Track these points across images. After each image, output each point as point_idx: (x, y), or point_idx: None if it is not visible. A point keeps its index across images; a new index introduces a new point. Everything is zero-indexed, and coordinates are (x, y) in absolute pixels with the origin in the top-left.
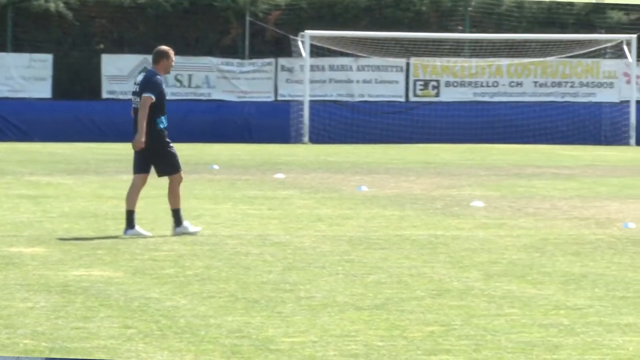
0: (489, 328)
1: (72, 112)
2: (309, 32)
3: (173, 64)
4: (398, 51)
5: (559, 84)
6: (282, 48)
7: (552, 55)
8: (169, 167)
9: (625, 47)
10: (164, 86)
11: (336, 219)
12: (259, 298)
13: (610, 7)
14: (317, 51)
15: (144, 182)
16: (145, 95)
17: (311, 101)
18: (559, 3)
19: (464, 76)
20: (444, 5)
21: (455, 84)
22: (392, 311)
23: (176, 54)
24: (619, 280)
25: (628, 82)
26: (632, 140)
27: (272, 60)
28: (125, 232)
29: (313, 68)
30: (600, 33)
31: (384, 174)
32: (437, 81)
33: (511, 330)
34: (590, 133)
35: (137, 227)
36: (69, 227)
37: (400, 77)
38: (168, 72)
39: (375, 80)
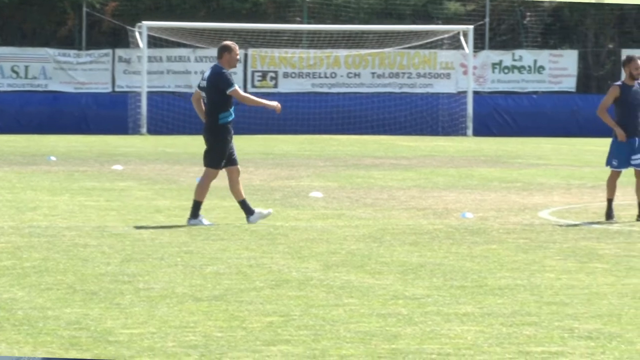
0: (328, 318)
1: None
2: (146, 23)
3: (238, 57)
4: (236, 42)
5: (397, 75)
6: (119, 39)
7: (389, 47)
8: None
9: (462, 38)
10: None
11: (175, 210)
12: (97, 290)
13: None
14: (154, 42)
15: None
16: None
17: (149, 92)
18: None
19: (302, 67)
20: None
21: (293, 75)
22: (231, 302)
23: (12, 45)
24: (456, 270)
25: (465, 73)
26: (470, 131)
27: (109, 51)
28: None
29: (151, 59)
30: (438, 24)
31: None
32: (275, 72)
33: (350, 320)
34: (428, 124)
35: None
36: None
37: (239, 68)
38: (234, 66)
39: None
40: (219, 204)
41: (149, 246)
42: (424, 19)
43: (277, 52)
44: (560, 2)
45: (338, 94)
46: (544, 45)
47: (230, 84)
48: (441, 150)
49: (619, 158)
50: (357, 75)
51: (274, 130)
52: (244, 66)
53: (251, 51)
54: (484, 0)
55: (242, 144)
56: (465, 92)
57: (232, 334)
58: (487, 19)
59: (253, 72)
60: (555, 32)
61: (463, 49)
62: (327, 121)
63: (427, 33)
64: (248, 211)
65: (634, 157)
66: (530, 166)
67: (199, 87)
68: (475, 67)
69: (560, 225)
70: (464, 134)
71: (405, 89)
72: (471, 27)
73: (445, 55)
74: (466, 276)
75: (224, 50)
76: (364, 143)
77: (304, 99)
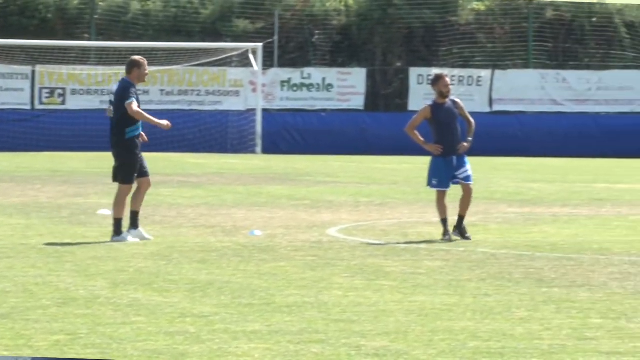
0: (115, 336)
1: None
2: None
3: (147, 72)
4: (23, 59)
5: (186, 92)
6: None
7: (178, 64)
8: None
9: (251, 56)
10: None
11: None
12: None
13: (236, 15)
14: None
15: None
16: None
17: None
18: (185, 11)
19: (91, 84)
20: (70, 12)
21: (81, 92)
22: (17, 320)
23: None
24: (245, 288)
25: (254, 90)
26: (259, 149)
27: None
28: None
29: None
30: (227, 42)
31: (9, 182)
32: (63, 89)
33: (137, 338)
34: (217, 141)
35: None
36: None
37: (26, 84)
38: (144, 81)
39: (0, 88)
40: (5, 221)
41: None
42: (213, 37)
43: (65, 69)
44: (350, 20)
45: None
46: (332, 63)
47: (129, 96)
48: (230, 168)
49: (439, 177)
50: (145, 92)
51: (62, 147)
52: (31, 83)
53: (39, 68)
54: (273, 18)
55: (29, 161)
56: (254, 109)
57: (18, 352)
58: (276, 37)
59: (41, 88)
60: (343, 50)
61: (252, 66)
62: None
63: (217, 50)
64: (133, 223)
65: (458, 172)
66: (318, 184)
67: (109, 102)
68: (264, 85)
69: (348, 243)
70: (253, 152)
71: (195, 107)
72: (260, 44)
73: (234, 73)
74: (254, 294)
75: (134, 66)
76: (153, 160)
77: (92, 116)
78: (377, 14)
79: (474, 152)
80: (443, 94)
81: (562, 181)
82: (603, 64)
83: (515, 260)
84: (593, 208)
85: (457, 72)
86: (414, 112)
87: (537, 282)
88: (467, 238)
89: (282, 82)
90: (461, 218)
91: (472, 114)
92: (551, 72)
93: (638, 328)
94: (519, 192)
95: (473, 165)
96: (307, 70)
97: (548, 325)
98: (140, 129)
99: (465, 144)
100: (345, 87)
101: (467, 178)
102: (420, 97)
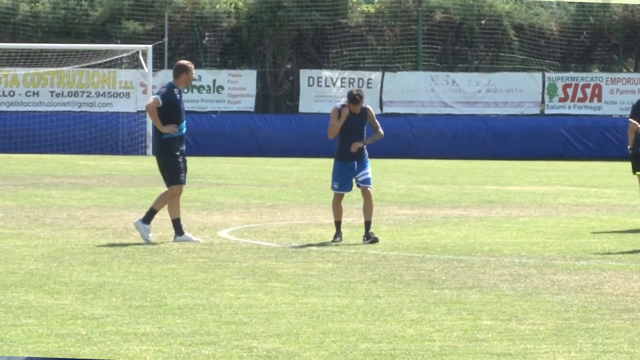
0: (6, 339)
1: None
2: None
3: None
4: None
5: (76, 94)
6: None
7: (68, 65)
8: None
9: (141, 58)
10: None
11: None
12: None
13: (126, 17)
14: None
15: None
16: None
17: None
18: (74, 13)
19: None
20: None
21: None
22: None
23: None
24: (136, 290)
25: (144, 92)
26: (149, 150)
27: None
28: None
29: None
30: (117, 43)
31: None
32: None
33: (28, 340)
34: (107, 143)
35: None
36: None
37: None
38: (190, 84)
39: None
40: None
41: None
42: (103, 38)
43: None
44: (240, 22)
45: (16, 112)
46: (222, 65)
47: (157, 92)
48: (121, 170)
49: (339, 181)
50: (35, 94)
51: None
52: None
53: None
54: (163, 20)
55: None
56: (144, 111)
57: None
58: (166, 39)
59: None
60: (234, 52)
61: (142, 68)
62: (5, 140)
63: (106, 52)
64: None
65: (358, 175)
66: (209, 185)
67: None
68: (154, 87)
69: (240, 245)
70: (144, 153)
71: (85, 108)
72: (150, 46)
73: (124, 75)
74: (145, 296)
75: (182, 70)
76: (43, 162)
77: None
78: (267, 16)
79: None
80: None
81: (452, 183)
82: (492, 67)
83: (406, 261)
84: (483, 210)
85: (347, 74)
86: (305, 114)
87: (428, 284)
88: (375, 240)
89: None
90: (368, 224)
91: None
92: (441, 75)
93: (528, 329)
94: (409, 194)
95: None
96: (198, 72)
97: (439, 326)
98: (183, 129)
99: (357, 143)
100: (236, 89)
101: (366, 181)
102: (310, 99)
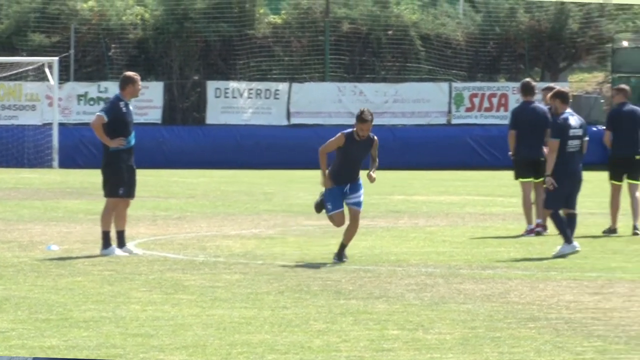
0: None
1: None
2: None
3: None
4: None
5: None
6: None
7: None
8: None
9: (47, 70)
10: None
11: None
12: None
13: (32, 29)
14: None
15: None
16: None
17: None
18: None
19: None
20: None
21: None
22: None
23: None
24: (42, 303)
25: (50, 104)
26: (56, 163)
27: None
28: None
29: None
30: (22, 56)
31: None
32: None
33: None
34: (13, 156)
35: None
36: None
37: None
38: (136, 96)
39: None
40: None
41: None
42: (9, 51)
43: None
44: (147, 34)
45: None
46: None
47: (102, 108)
48: (27, 183)
49: (332, 201)
50: None
51: None
52: None
53: None
54: (69, 32)
55: None
56: (50, 123)
57: None
58: (72, 51)
59: None
60: (140, 63)
61: (48, 80)
62: None
63: (12, 65)
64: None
65: (352, 196)
66: None
67: None
68: (60, 99)
69: (147, 257)
70: (50, 166)
71: None
72: (56, 58)
73: (30, 87)
74: (51, 309)
75: (128, 82)
76: None
77: None
78: (174, 27)
79: (273, 165)
80: (359, 134)
81: None
82: (399, 77)
83: (313, 272)
84: (390, 220)
85: (254, 85)
86: (212, 125)
87: (335, 294)
88: (343, 260)
89: (79, 96)
90: (344, 246)
91: (269, 127)
92: (348, 85)
93: (435, 339)
94: None
95: (271, 178)
96: (104, 84)
97: (346, 337)
98: (131, 142)
99: (372, 175)
100: (143, 101)
101: (357, 204)
102: (217, 111)
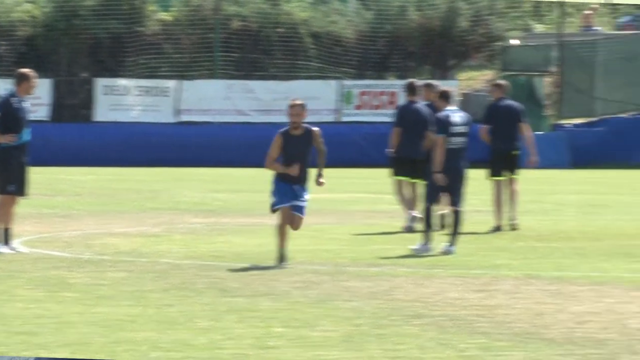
0: None
1: None
2: None
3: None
4: None
5: None
6: None
7: None
8: None
9: None
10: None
11: None
12: None
13: None
14: None
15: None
16: None
17: None
18: None
19: None
20: None
21: None
22: None
23: None
24: None
25: None
26: None
27: None
28: None
29: None
30: None
31: None
32: None
33: None
34: None
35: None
36: None
37: None
38: (30, 93)
39: None
40: None
41: None
42: None
43: None
44: (36, 31)
45: None
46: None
47: None
48: None
49: (278, 195)
50: None
51: None
52: None
53: None
54: None
55: None
56: None
57: None
58: None
59: None
60: (30, 60)
61: None
62: None
63: None
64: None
65: (297, 200)
66: None
67: None
68: None
69: (31, 255)
70: None
71: None
72: None
73: None
74: None
75: (23, 79)
76: None
77: None
78: (63, 24)
79: (161, 163)
80: (292, 126)
81: (248, 191)
82: (289, 74)
83: (199, 270)
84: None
85: (143, 82)
86: (100, 122)
87: (221, 292)
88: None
89: None
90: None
91: (158, 125)
92: (237, 83)
93: (319, 336)
94: (204, 202)
95: (158, 176)
96: None
97: (230, 334)
98: (22, 139)
99: (321, 180)
100: (31, 98)
101: (299, 209)
102: (106, 108)
